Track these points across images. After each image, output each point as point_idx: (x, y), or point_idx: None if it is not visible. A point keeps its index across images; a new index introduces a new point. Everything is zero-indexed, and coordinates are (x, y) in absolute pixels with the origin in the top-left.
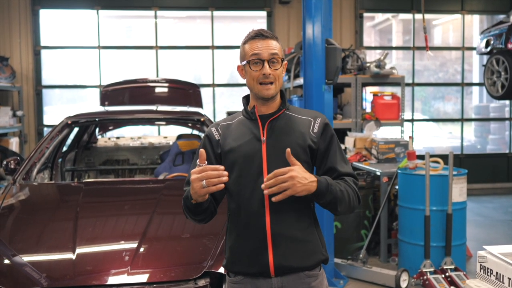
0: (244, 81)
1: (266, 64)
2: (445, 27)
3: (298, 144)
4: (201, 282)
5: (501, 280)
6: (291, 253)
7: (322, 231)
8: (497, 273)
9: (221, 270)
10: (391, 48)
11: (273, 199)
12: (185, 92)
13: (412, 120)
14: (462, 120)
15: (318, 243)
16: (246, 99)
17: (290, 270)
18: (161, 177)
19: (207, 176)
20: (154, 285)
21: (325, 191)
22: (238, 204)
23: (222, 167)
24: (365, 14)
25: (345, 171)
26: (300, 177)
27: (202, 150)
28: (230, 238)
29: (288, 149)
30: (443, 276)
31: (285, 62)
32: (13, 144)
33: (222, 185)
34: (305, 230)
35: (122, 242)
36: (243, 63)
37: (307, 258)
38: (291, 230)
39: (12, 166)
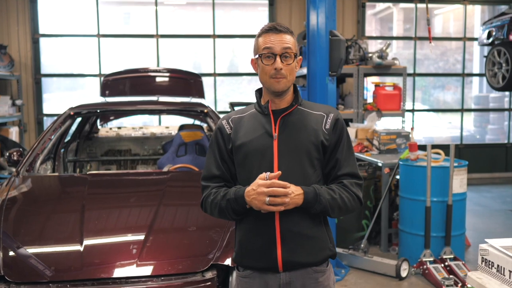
0: (245, 71)
1: (278, 59)
2: (446, 16)
3: (311, 141)
4: (208, 275)
5: (502, 272)
6: (299, 249)
7: None
8: (498, 265)
9: (228, 262)
10: (393, 38)
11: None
12: (187, 82)
13: (412, 110)
14: (462, 110)
15: (326, 239)
16: (259, 92)
17: (298, 265)
18: (165, 168)
19: (273, 193)
20: (162, 278)
21: (313, 203)
22: None
23: (289, 185)
24: (368, 3)
25: (347, 171)
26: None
27: (278, 173)
28: (239, 232)
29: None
30: (442, 265)
31: (300, 57)
32: (13, 133)
33: (282, 207)
34: (313, 227)
35: (129, 234)
36: (256, 56)
37: (315, 254)
38: (299, 226)
39: (15, 158)
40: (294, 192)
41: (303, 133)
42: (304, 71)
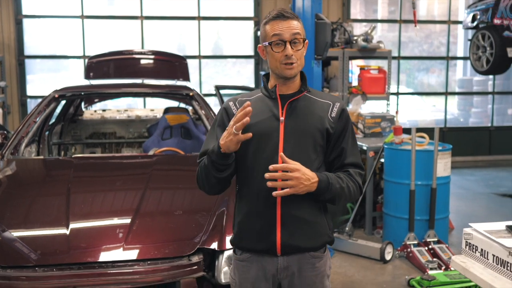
0: (229, 53)
1: (288, 45)
2: None
3: (316, 127)
4: (195, 259)
5: (486, 256)
6: (298, 232)
7: None
8: (482, 249)
9: (214, 246)
10: (378, 21)
11: (274, 194)
12: (172, 64)
13: (397, 94)
14: (446, 93)
15: (325, 225)
16: (266, 77)
17: (296, 249)
18: (151, 152)
19: (236, 120)
20: (148, 262)
21: (324, 191)
22: (250, 180)
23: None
24: None
25: (352, 160)
26: (304, 178)
27: (248, 103)
28: (239, 214)
29: (281, 154)
30: (426, 248)
31: (307, 41)
32: None
33: (250, 134)
34: (313, 212)
35: (116, 218)
36: (265, 44)
37: (314, 239)
38: (300, 211)
39: (0, 141)
40: (311, 180)
41: (309, 119)
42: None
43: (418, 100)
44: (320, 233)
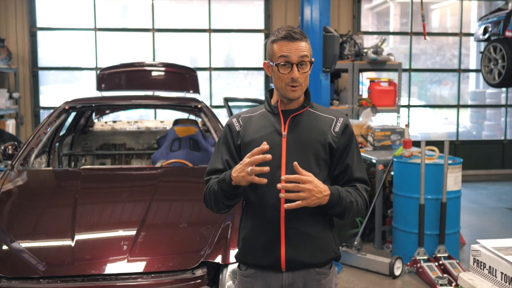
0: (241, 65)
1: (295, 68)
2: (443, 11)
3: (319, 141)
4: (198, 272)
5: (494, 274)
6: (303, 248)
7: None
8: (490, 267)
9: (218, 259)
10: (389, 33)
11: (286, 206)
12: (182, 76)
13: (408, 106)
14: (458, 106)
15: (331, 240)
16: (269, 93)
17: (301, 265)
18: (158, 164)
19: (254, 161)
20: (152, 275)
21: (335, 205)
22: (254, 195)
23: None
24: None
25: (359, 176)
26: (316, 190)
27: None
28: (244, 229)
29: (295, 163)
30: (436, 264)
31: (313, 59)
32: (10, 126)
33: (266, 180)
34: (319, 227)
35: (121, 230)
36: (271, 63)
37: (319, 254)
38: (305, 226)
39: (10, 152)
40: (323, 192)
41: (312, 134)
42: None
43: (430, 113)
44: (326, 249)
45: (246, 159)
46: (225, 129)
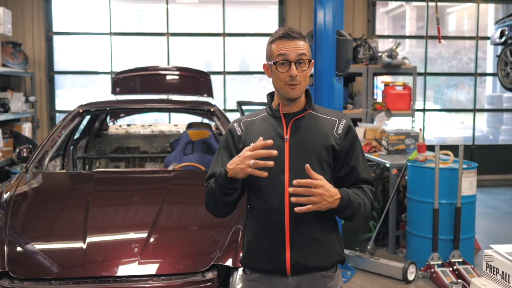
0: (255, 69)
1: (293, 66)
2: (460, 14)
3: (322, 144)
4: (209, 275)
5: (507, 279)
6: (308, 252)
7: None
8: (503, 272)
9: (229, 263)
10: (404, 37)
11: (296, 210)
12: (196, 80)
13: (423, 110)
14: (475, 110)
15: (336, 243)
16: (270, 96)
17: (306, 269)
18: (170, 167)
19: (257, 155)
20: (163, 277)
21: (345, 208)
22: (258, 200)
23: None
24: (378, 2)
25: (365, 177)
26: (327, 195)
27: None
28: (248, 234)
29: (307, 165)
30: (450, 269)
31: (312, 61)
32: (26, 129)
33: (266, 173)
34: (323, 230)
35: (132, 232)
36: (270, 63)
37: (324, 258)
38: (309, 229)
39: (25, 154)
40: (333, 196)
41: (314, 136)
42: (311, 70)
43: (446, 117)
44: (331, 252)
45: (246, 152)
46: (226, 134)
